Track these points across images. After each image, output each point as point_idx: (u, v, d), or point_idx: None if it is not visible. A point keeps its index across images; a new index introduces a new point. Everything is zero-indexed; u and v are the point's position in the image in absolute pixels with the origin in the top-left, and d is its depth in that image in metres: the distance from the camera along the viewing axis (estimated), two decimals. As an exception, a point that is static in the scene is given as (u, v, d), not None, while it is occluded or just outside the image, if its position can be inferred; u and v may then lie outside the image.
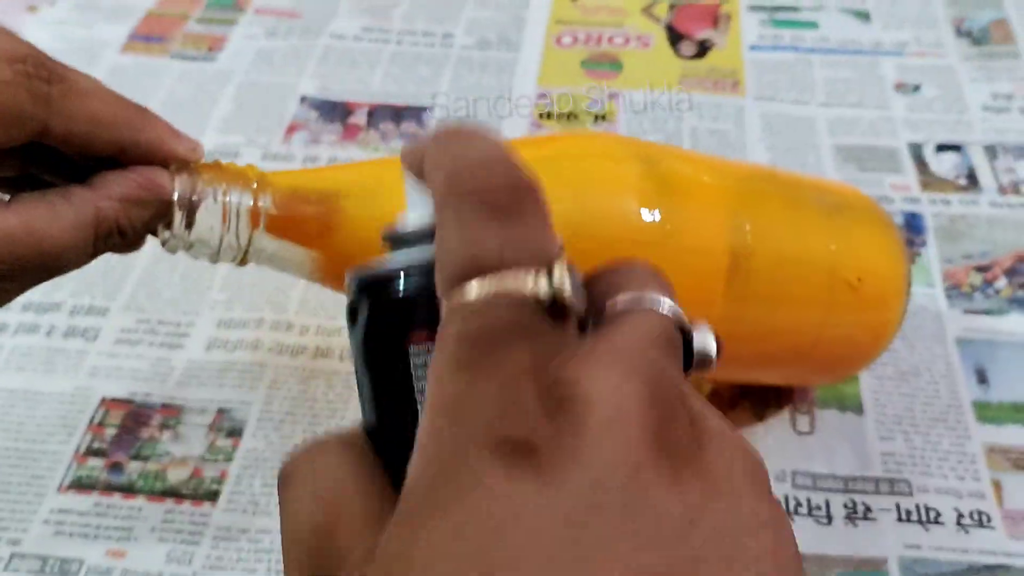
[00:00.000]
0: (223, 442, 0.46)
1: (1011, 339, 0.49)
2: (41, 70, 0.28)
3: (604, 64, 0.68)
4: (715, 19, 0.71)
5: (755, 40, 0.69)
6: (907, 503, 0.42)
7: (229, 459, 0.45)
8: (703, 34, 0.70)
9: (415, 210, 0.22)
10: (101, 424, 0.47)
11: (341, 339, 0.50)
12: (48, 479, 0.45)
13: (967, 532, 0.41)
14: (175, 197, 0.31)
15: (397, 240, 0.23)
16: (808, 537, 0.41)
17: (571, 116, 0.63)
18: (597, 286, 0.20)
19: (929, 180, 0.58)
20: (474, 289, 0.18)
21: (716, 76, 0.66)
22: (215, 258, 0.33)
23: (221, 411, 0.47)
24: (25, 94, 0.28)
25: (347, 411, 0.47)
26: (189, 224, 0.31)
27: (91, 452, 0.46)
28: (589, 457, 0.16)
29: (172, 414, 0.47)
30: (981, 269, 0.52)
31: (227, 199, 0.32)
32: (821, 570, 0.40)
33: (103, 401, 0.48)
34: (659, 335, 0.19)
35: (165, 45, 0.70)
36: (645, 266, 0.21)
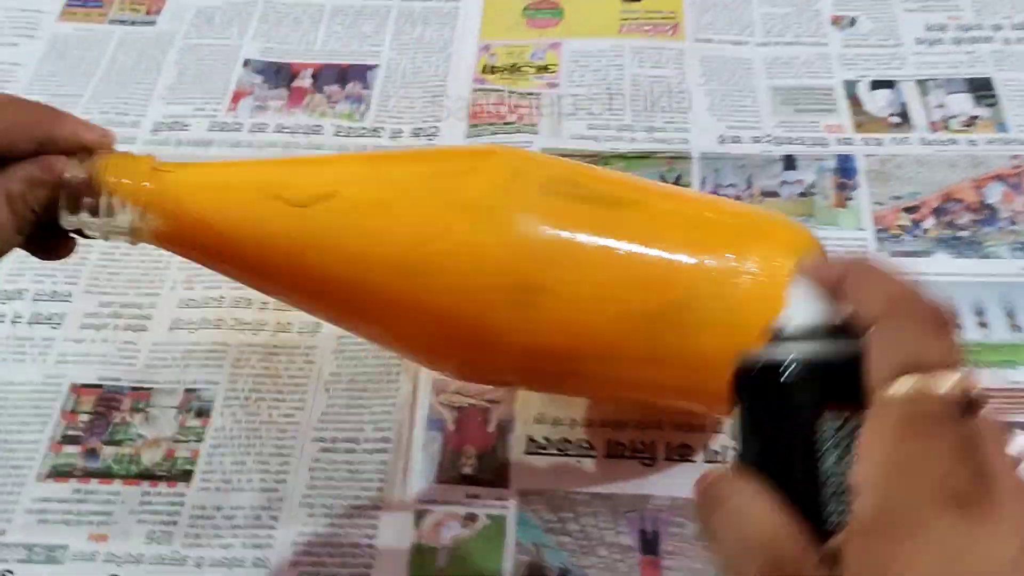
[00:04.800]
0: (193, 422, 0.48)
1: (937, 279, 0.51)
2: None
3: (545, 11, 0.68)
4: (654, -44, 0.71)
5: (694, -25, 0.69)
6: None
7: (200, 439, 0.48)
8: (643, -27, 0.70)
9: (801, 308, 0.28)
10: (73, 411, 0.49)
11: (299, 313, 0.52)
12: (26, 469, 0.47)
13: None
14: (66, 178, 0.34)
15: (790, 334, 0.28)
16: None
17: (514, 68, 0.64)
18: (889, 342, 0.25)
19: (863, 120, 0.59)
20: (911, 383, 0.24)
21: (656, 19, 0.66)
22: (104, 237, 0.36)
23: (189, 391, 0.50)
24: None
25: (308, 386, 0.49)
26: (73, 209, 0.34)
27: (66, 439, 0.48)
28: (1011, 511, 0.22)
29: (142, 397, 0.49)
30: (909, 210, 0.55)
31: (109, 192, 0.34)
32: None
33: (73, 387, 0.50)
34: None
35: (103, 10, 0.70)
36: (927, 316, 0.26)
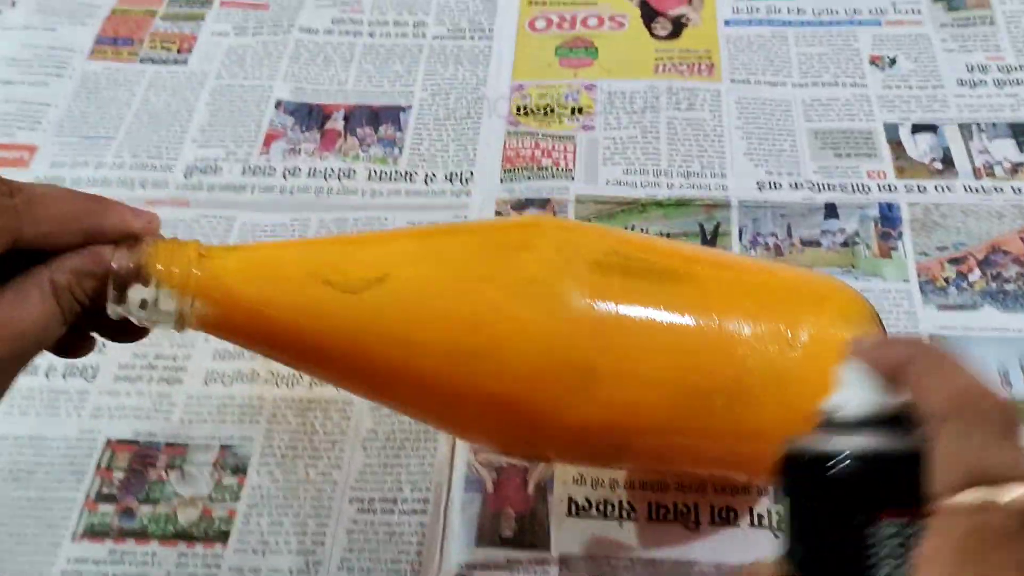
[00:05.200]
0: (229, 480, 0.48)
1: (983, 334, 0.51)
2: (2, 186, 0.32)
3: (579, 50, 0.67)
4: (689, -7, 0.70)
5: (729, 14, 0.69)
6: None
7: (236, 498, 0.47)
8: (678, 10, 0.69)
9: (855, 393, 0.27)
10: (109, 467, 0.49)
11: (335, 366, 0.52)
12: (62, 528, 0.47)
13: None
14: (114, 269, 0.33)
15: (842, 422, 0.27)
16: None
17: (548, 109, 0.63)
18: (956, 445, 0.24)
19: (904, 165, 0.58)
20: (977, 495, 0.23)
21: (691, 58, 0.66)
22: (150, 326, 0.35)
23: (224, 447, 0.49)
24: None
25: (344, 443, 0.49)
26: (120, 299, 0.34)
27: (101, 497, 0.48)
28: None
29: (178, 453, 0.49)
30: (955, 261, 0.54)
31: (158, 281, 0.34)
32: None
33: (108, 443, 0.49)
34: None
35: (134, 48, 0.70)
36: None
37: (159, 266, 0.33)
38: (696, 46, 0.66)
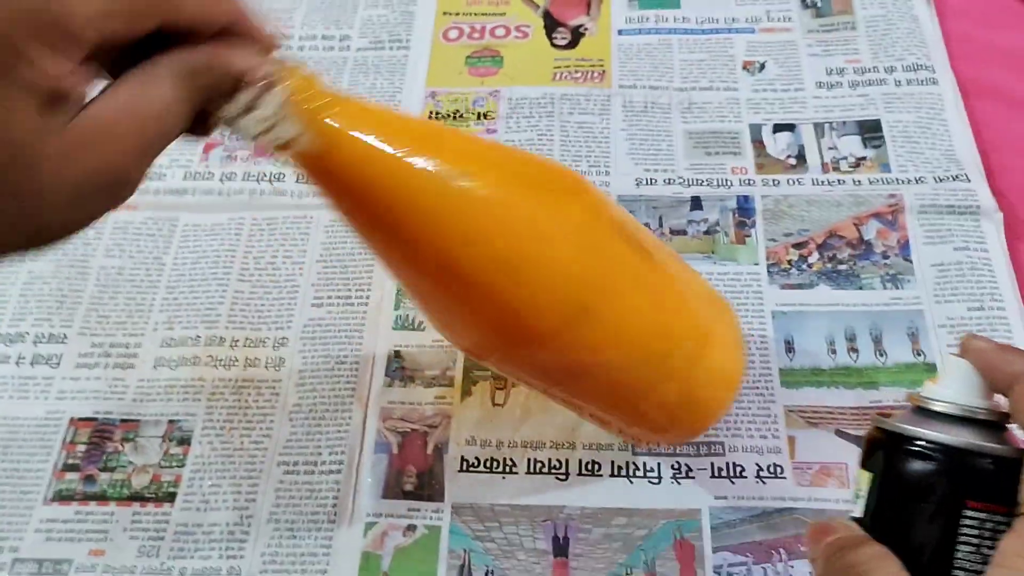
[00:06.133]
0: (175, 450, 0.57)
1: (816, 309, 0.60)
2: None
3: (486, 60, 0.75)
4: (588, 4, 0.78)
5: (623, 24, 0.76)
6: (719, 462, 0.54)
7: (181, 465, 0.56)
8: (577, 20, 0.77)
9: (957, 386, 0.30)
10: (73, 442, 0.57)
11: (264, 349, 0.60)
12: (35, 494, 0.55)
13: (764, 483, 0.53)
14: (254, 73, 0.33)
15: (942, 411, 0.30)
16: (643, 495, 0.53)
17: (457, 115, 0.71)
18: None
19: (764, 161, 0.67)
20: None
21: (585, 66, 0.74)
22: (253, 139, 0.35)
23: (171, 422, 0.58)
24: None
25: (274, 416, 0.57)
26: (250, 106, 0.33)
27: (67, 467, 0.56)
28: None
29: (131, 428, 0.57)
30: (798, 246, 0.62)
31: (290, 102, 0.34)
32: (650, 521, 0.52)
33: (72, 421, 0.58)
34: None
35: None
36: None
37: (292, 87, 0.34)
38: (591, 55, 0.74)
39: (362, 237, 0.40)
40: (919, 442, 0.29)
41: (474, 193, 0.38)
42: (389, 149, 0.36)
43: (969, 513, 0.27)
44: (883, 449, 0.30)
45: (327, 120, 0.35)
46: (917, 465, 0.28)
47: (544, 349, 0.41)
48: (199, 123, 0.33)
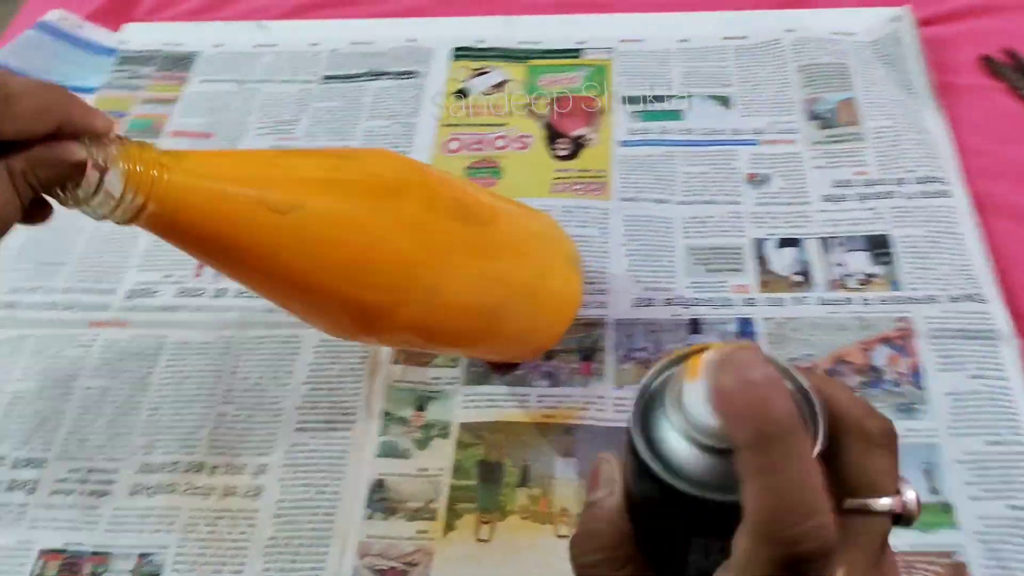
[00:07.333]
0: (144, 587, 0.54)
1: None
2: None
3: (485, 170, 0.74)
4: (590, 116, 0.77)
5: (625, 135, 0.75)
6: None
7: (149, 603, 0.53)
8: (579, 131, 0.76)
9: (695, 404, 0.27)
10: (41, 575, 0.55)
11: (243, 477, 0.58)
12: (-3, 633, 0.53)
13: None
14: (82, 161, 0.38)
15: (672, 429, 0.28)
16: None
17: (454, 229, 0.70)
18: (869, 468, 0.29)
19: (768, 279, 0.64)
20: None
21: (586, 177, 0.72)
22: (100, 218, 0.40)
23: (142, 556, 0.55)
24: None
25: (248, 552, 0.55)
26: (95, 191, 0.38)
27: (32, 604, 0.54)
28: None
29: (100, 561, 0.55)
30: (803, 372, 0.59)
31: (123, 178, 0.38)
32: None
33: (41, 552, 0.56)
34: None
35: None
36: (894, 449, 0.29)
37: (123, 164, 0.38)
38: (592, 166, 0.73)
39: (217, 271, 0.46)
40: (650, 469, 0.28)
41: (306, 221, 0.42)
42: (229, 191, 0.41)
43: (693, 540, 0.28)
44: (627, 446, 0.29)
45: (167, 180, 0.39)
46: (646, 487, 0.28)
47: (399, 327, 0.47)
48: (37, 210, 0.41)
